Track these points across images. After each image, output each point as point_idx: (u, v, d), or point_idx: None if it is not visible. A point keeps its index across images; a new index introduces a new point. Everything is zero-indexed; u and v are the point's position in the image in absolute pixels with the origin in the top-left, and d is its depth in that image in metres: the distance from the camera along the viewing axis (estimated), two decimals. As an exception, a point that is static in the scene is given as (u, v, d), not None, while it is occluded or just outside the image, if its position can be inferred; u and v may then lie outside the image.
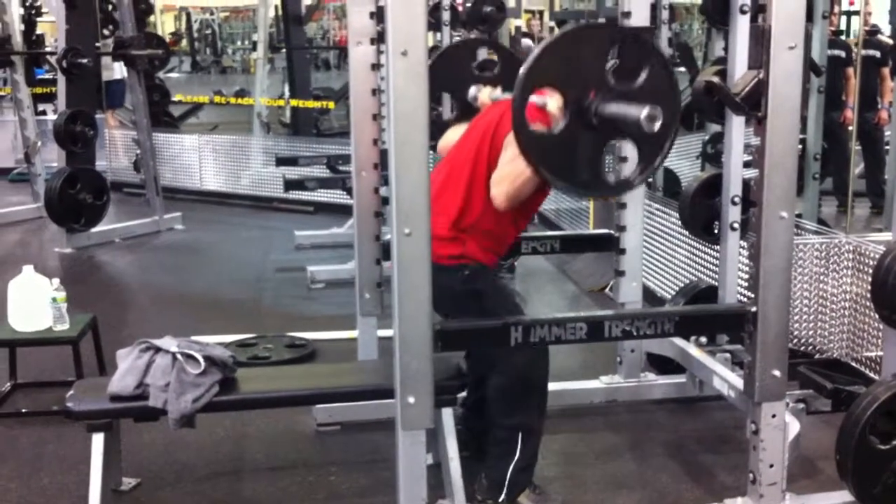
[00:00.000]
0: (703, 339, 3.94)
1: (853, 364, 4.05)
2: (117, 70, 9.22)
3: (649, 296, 5.20)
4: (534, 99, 2.53)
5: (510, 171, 2.84)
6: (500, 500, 3.06)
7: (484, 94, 3.49)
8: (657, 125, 2.43)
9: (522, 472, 3.06)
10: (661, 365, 4.14)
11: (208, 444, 3.55)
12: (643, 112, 2.40)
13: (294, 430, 3.70)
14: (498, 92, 3.46)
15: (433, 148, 3.74)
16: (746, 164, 3.72)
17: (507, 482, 3.05)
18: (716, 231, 3.95)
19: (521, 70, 2.49)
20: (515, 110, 2.45)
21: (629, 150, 2.62)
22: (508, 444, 3.05)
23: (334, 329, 4.81)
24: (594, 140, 2.57)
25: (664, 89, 2.60)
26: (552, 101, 2.56)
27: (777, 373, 2.85)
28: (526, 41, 10.87)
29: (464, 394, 3.32)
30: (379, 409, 3.46)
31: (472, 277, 3.04)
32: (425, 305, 2.59)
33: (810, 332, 4.20)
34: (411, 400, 2.62)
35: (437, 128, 3.68)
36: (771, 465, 2.90)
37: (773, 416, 2.88)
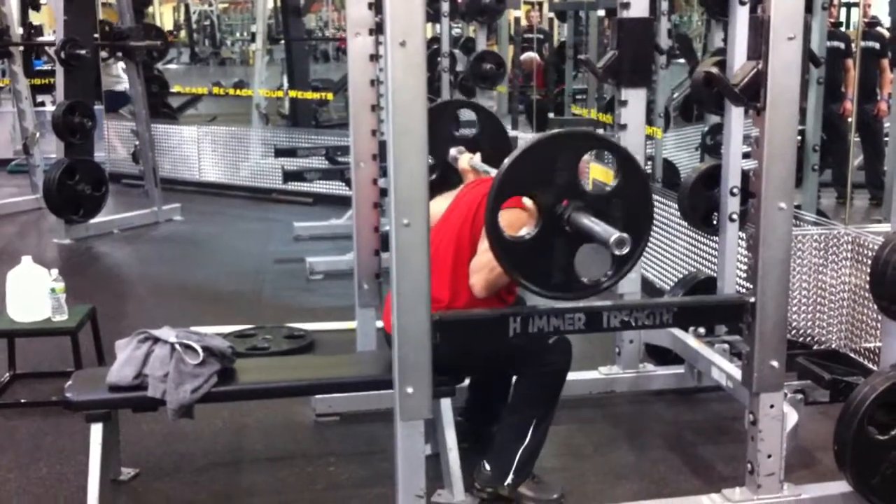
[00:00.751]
0: (702, 330, 3.95)
1: (852, 355, 4.05)
2: (124, 82, 9.18)
3: (648, 287, 5.20)
4: None
5: (487, 262, 2.86)
6: (505, 484, 3.06)
7: (463, 161, 3.56)
8: (626, 249, 2.50)
9: (529, 459, 3.08)
10: (660, 356, 4.14)
11: (207, 434, 3.55)
12: (612, 237, 2.46)
13: (293, 420, 3.71)
14: (477, 158, 3.54)
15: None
16: (745, 156, 3.72)
17: (514, 467, 3.05)
18: (714, 222, 3.95)
19: (495, 179, 2.57)
20: (488, 218, 2.52)
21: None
22: (520, 429, 3.07)
23: (333, 320, 4.81)
24: (566, 244, 2.63)
25: (637, 197, 2.69)
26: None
27: (775, 363, 2.85)
28: (527, 54, 10.86)
29: (462, 384, 3.33)
30: (378, 400, 3.47)
31: None
32: (424, 296, 2.60)
33: (809, 323, 4.20)
34: (410, 390, 2.62)
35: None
36: (769, 456, 2.91)
37: (772, 406, 2.89)
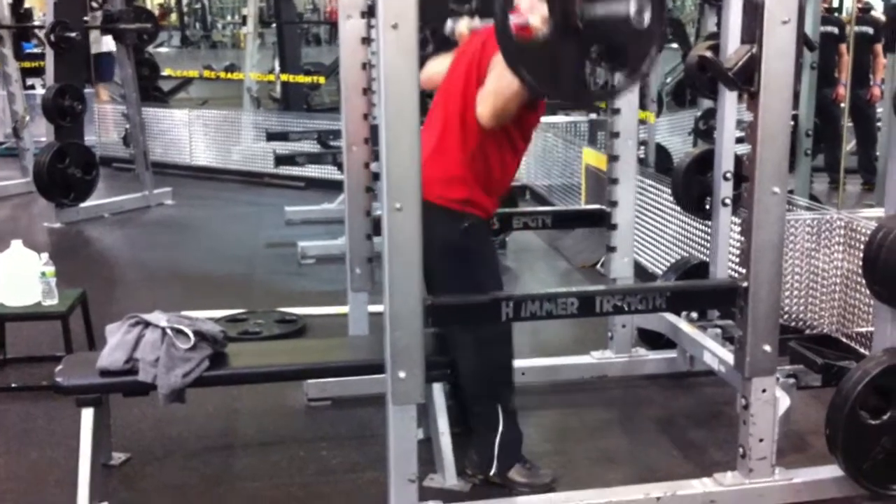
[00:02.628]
0: (695, 315, 3.95)
1: (844, 339, 4.06)
2: (105, 43, 9.14)
3: (641, 272, 5.20)
4: (514, 20, 2.47)
5: (495, 87, 2.78)
6: (492, 473, 3.06)
7: (462, 26, 3.41)
8: (646, 18, 2.39)
9: (509, 444, 3.07)
10: (652, 340, 4.14)
11: (199, 419, 3.54)
12: (632, 6, 2.37)
13: (285, 405, 3.70)
14: (476, 22, 3.39)
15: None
16: (739, 140, 3.71)
17: (495, 455, 3.05)
18: (707, 207, 3.94)
19: None
20: (498, 20, 2.41)
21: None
22: (490, 418, 3.07)
23: (325, 305, 4.80)
24: (579, 46, 2.49)
25: None
26: (534, 16, 2.49)
27: (767, 348, 2.86)
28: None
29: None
30: (370, 385, 3.45)
31: (469, 232, 3.00)
32: (416, 280, 2.59)
33: (801, 308, 4.21)
34: (402, 375, 2.62)
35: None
36: (761, 440, 2.91)
37: (764, 390, 2.89)
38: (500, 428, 3.06)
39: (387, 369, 2.64)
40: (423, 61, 3.51)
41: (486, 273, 3.04)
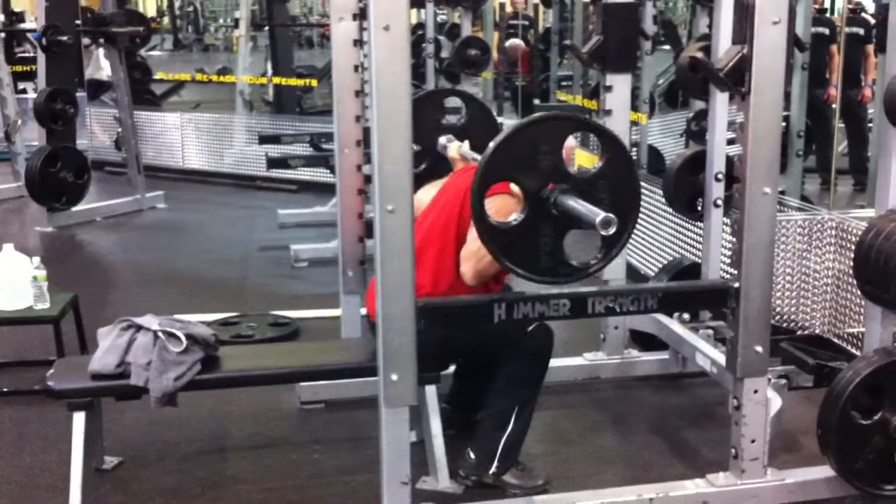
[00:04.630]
0: (686, 316, 3.96)
1: (835, 340, 4.07)
2: (105, 72, 9.10)
3: (633, 273, 5.20)
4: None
5: (476, 250, 2.85)
6: (490, 472, 3.06)
7: (453, 149, 3.54)
8: (612, 230, 2.48)
9: (513, 447, 3.08)
10: (645, 342, 4.15)
11: (191, 422, 3.53)
12: (598, 218, 2.45)
13: (278, 408, 3.69)
14: (466, 146, 3.51)
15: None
16: (730, 142, 3.72)
17: (498, 454, 3.05)
18: (699, 208, 3.95)
19: (479, 164, 2.56)
20: (474, 204, 2.51)
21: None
22: (504, 416, 3.06)
23: (318, 307, 4.79)
24: (554, 229, 2.61)
25: (623, 178, 2.66)
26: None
27: (759, 348, 2.86)
28: (513, 41, 10.82)
29: (448, 371, 3.32)
30: (363, 387, 3.45)
31: None
32: (408, 283, 2.58)
33: (793, 309, 4.22)
34: (395, 377, 2.62)
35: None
36: (753, 441, 2.92)
37: (755, 391, 2.90)
38: (509, 430, 3.06)
39: (379, 372, 2.64)
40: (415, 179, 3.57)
41: None
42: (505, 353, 3.08)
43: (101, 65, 9.40)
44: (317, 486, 3.13)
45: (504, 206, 2.72)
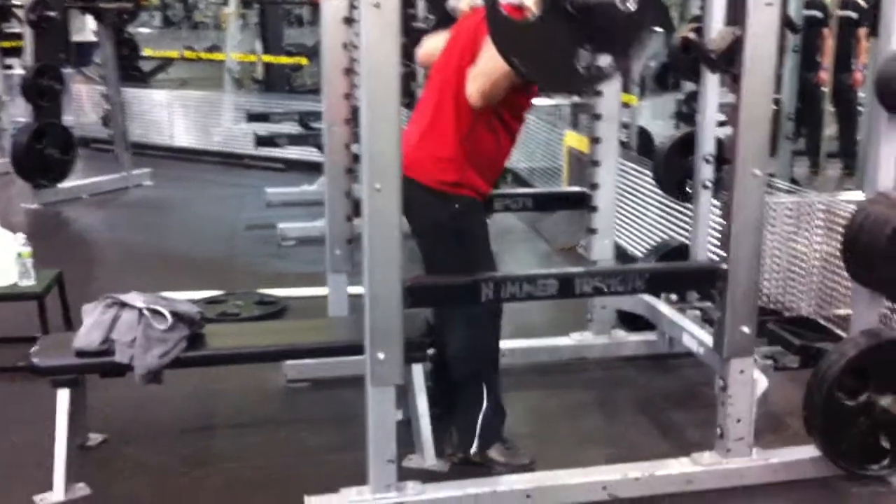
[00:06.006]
0: (674, 297, 3.96)
1: (822, 322, 4.08)
2: (89, 31, 9.04)
3: (622, 255, 5.20)
4: (506, 1, 2.45)
5: (485, 68, 2.77)
6: (472, 451, 3.07)
7: (462, 2, 3.41)
8: (632, 3, 2.38)
9: (490, 423, 3.08)
10: (632, 322, 4.15)
11: (177, 400, 3.52)
12: None
13: (264, 386, 3.68)
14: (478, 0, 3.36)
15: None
16: (720, 124, 3.71)
17: (476, 433, 3.06)
18: (688, 189, 3.94)
19: None
20: (489, 2, 2.38)
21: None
22: (475, 396, 3.07)
23: (305, 286, 4.78)
24: (569, 30, 2.46)
25: None
26: None
27: (746, 329, 2.86)
28: None
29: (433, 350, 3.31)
30: (349, 366, 3.43)
31: (461, 215, 2.99)
32: (395, 261, 2.58)
33: (780, 291, 4.22)
34: (381, 356, 2.62)
35: (411, 38, 3.65)
36: (738, 420, 2.93)
37: (742, 371, 2.90)
38: (484, 407, 3.06)
39: (366, 350, 2.63)
40: (418, 35, 3.51)
41: (478, 255, 3.03)
42: (452, 335, 3.10)
43: (84, 24, 9.29)
44: (303, 464, 3.13)
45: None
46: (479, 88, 2.80)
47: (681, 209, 4.69)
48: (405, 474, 2.82)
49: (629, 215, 5.41)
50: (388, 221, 2.57)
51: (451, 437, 3.12)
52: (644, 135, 7.49)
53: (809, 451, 3.01)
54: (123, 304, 3.01)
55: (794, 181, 5.70)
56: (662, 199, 4.93)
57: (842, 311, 3.95)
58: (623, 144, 6.27)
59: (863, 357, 2.91)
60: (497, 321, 3.13)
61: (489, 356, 3.12)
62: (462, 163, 2.97)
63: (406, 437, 3.02)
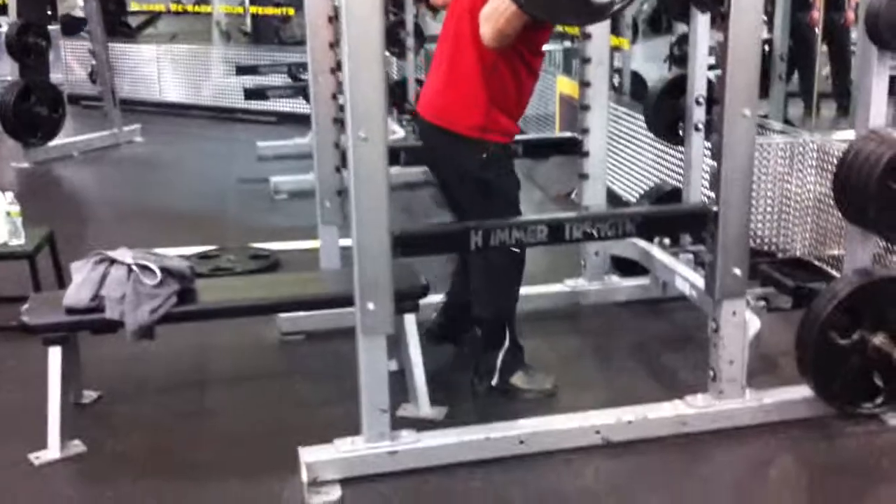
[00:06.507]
0: (667, 241, 3.95)
1: (816, 262, 4.07)
2: (79, 6, 8.89)
3: (615, 200, 5.18)
4: None
5: (494, 7, 2.75)
6: (494, 383, 3.18)
7: None
8: None
9: (512, 359, 3.19)
10: (626, 268, 4.14)
11: (170, 355, 3.51)
12: None
13: (258, 340, 3.68)
14: None
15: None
16: (711, 67, 3.66)
17: (497, 368, 3.18)
18: (680, 132, 3.91)
19: None
20: None
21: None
22: (497, 337, 3.19)
23: (298, 240, 4.75)
24: None
25: None
26: None
27: (737, 271, 2.85)
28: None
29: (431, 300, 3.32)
30: (343, 318, 3.42)
31: (487, 164, 3.01)
32: (383, 211, 2.56)
33: (774, 232, 4.21)
34: (371, 306, 2.61)
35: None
36: (731, 362, 2.93)
37: (734, 313, 2.90)
38: (506, 345, 3.18)
39: (356, 301, 2.63)
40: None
41: (503, 205, 3.04)
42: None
43: (74, 1, 9.19)
44: (297, 416, 3.13)
45: None
46: (492, 29, 2.78)
47: (674, 153, 4.65)
48: (400, 424, 2.83)
49: (623, 160, 5.38)
50: (374, 170, 2.55)
51: (476, 369, 3.23)
52: (637, 79, 7.41)
53: (802, 392, 3.01)
54: (113, 261, 3.00)
55: (787, 122, 5.65)
56: (656, 144, 4.90)
57: (835, 252, 3.95)
58: (616, 89, 6.24)
59: (855, 296, 2.90)
60: (520, 267, 3.19)
61: (510, 301, 3.21)
62: (487, 105, 2.98)
63: (402, 387, 3.03)
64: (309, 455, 2.67)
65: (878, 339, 2.90)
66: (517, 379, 3.20)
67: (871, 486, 2.76)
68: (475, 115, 2.97)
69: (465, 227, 2.73)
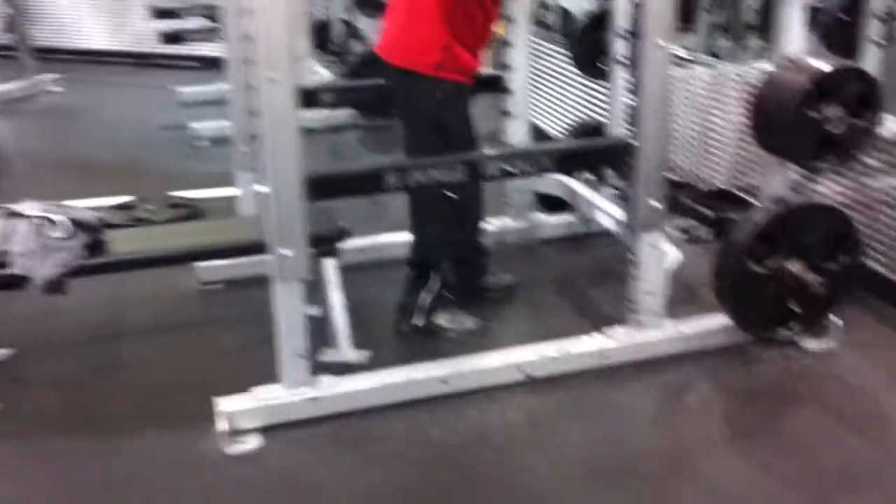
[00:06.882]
0: (593, 177, 3.93)
1: (738, 194, 4.10)
2: None
3: (545, 138, 5.16)
4: None
5: None
6: (418, 323, 3.20)
7: None
8: None
9: (437, 298, 3.22)
10: (553, 205, 4.12)
11: (86, 309, 3.41)
12: None
13: (176, 291, 3.59)
14: None
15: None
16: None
17: (422, 308, 3.20)
18: (603, 67, 3.88)
19: None
20: None
21: None
22: (423, 276, 3.21)
23: (219, 186, 4.64)
24: None
25: None
26: None
27: (655, 203, 2.86)
28: None
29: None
30: (262, 265, 3.36)
31: (444, 105, 2.99)
32: (294, 154, 2.49)
33: (697, 165, 4.22)
34: (286, 252, 2.56)
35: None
36: (650, 294, 2.95)
37: (652, 245, 2.91)
38: (433, 286, 3.19)
39: (271, 247, 2.57)
40: None
41: (459, 146, 2.99)
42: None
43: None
44: (217, 364, 3.08)
45: None
46: None
47: (602, 88, 4.62)
48: (322, 369, 2.80)
49: (550, 97, 5.34)
50: (283, 113, 2.47)
51: (400, 313, 3.23)
52: (567, 15, 7.34)
53: (721, 320, 3.05)
54: (18, 215, 2.89)
55: (714, 55, 5.65)
56: (583, 80, 4.86)
57: (757, 183, 3.97)
58: (546, 26, 6.17)
59: (771, 224, 2.93)
60: (459, 210, 3.15)
61: (441, 243, 3.21)
62: (446, 41, 2.93)
63: (327, 333, 2.99)
64: (226, 404, 2.64)
65: (794, 267, 2.93)
66: (441, 318, 3.20)
67: (786, 410, 2.82)
68: (433, 53, 2.94)
69: (379, 168, 2.68)
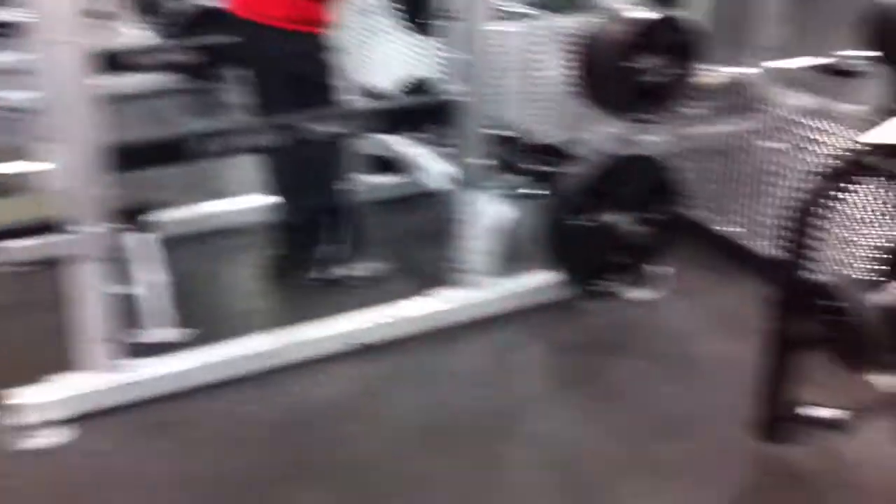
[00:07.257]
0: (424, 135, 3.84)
1: (566, 148, 4.10)
2: None
3: (378, 97, 5.02)
4: None
5: None
6: (311, 275, 3.19)
7: None
8: None
9: (329, 252, 3.21)
10: (387, 167, 4.02)
11: None
12: None
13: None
14: None
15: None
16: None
17: (315, 260, 3.20)
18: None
19: None
20: None
21: None
22: (311, 235, 3.20)
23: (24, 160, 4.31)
24: None
25: None
26: None
27: (479, 161, 2.81)
28: None
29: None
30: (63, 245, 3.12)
31: (296, 57, 2.92)
32: (86, 123, 2.31)
33: (527, 120, 4.20)
34: (84, 228, 2.38)
35: None
36: (477, 253, 2.91)
37: (477, 203, 2.86)
38: (320, 239, 3.17)
39: (70, 225, 2.38)
40: None
41: (315, 99, 2.90)
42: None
43: None
44: (9, 355, 2.80)
45: None
46: None
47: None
48: (139, 352, 2.62)
49: (382, 55, 5.20)
50: (70, 78, 2.28)
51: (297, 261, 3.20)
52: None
53: (548, 276, 3.04)
54: None
55: (543, 7, 5.64)
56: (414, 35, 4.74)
57: (584, 136, 3.98)
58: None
59: (593, 177, 2.92)
60: (328, 166, 3.12)
61: (323, 194, 3.16)
62: None
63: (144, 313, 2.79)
64: (18, 397, 2.43)
65: (614, 219, 2.94)
66: (338, 270, 3.21)
67: (611, 361, 2.85)
68: (281, 6, 2.88)
69: (181, 136, 2.52)
